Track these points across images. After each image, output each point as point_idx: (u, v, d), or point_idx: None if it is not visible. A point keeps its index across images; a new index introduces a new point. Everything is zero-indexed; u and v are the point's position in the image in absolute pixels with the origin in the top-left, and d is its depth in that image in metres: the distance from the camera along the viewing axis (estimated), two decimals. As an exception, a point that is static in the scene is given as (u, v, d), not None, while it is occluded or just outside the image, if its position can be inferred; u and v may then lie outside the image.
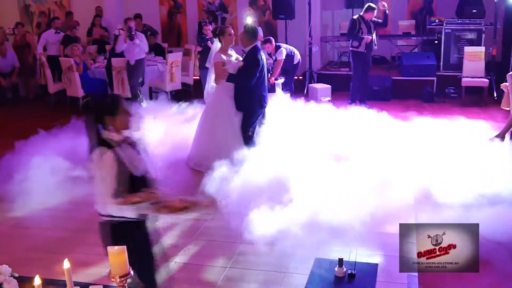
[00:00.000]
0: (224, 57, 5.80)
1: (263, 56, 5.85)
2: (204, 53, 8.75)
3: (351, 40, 8.67)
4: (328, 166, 5.40)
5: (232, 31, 5.96)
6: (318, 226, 4.39)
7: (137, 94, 9.07)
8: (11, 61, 10.36)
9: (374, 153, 5.89)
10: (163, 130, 6.89)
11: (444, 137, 6.56)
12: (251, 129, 5.92)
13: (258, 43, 6.12)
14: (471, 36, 9.79)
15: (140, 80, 9.20)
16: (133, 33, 8.86)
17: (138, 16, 11.11)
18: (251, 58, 5.69)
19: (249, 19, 9.59)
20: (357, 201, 4.81)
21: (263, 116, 6.15)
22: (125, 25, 8.87)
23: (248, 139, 5.89)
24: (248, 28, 5.78)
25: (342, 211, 4.49)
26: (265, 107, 6.01)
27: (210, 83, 6.14)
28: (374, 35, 8.57)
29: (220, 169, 4.90)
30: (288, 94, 7.83)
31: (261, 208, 4.28)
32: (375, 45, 8.65)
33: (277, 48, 8.12)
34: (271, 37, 8.23)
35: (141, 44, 8.92)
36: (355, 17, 8.70)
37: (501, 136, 6.55)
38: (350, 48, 8.73)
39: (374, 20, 8.56)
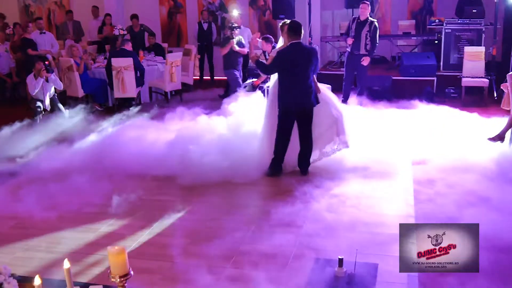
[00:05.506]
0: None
1: (302, 53, 5.49)
2: (228, 53, 8.81)
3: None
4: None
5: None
6: (320, 225, 4.42)
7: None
8: (7, 61, 10.43)
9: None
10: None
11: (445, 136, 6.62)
12: (280, 146, 5.66)
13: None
14: (471, 36, 9.79)
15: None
16: (50, 68, 7.96)
17: (134, 17, 11.16)
18: (280, 52, 5.58)
19: (235, 12, 9.54)
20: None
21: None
22: (38, 65, 7.94)
23: (274, 158, 5.66)
24: (291, 25, 5.56)
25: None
26: (298, 108, 5.54)
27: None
28: (364, 37, 8.36)
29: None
30: None
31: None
32: (366, 50, 8.42)
33: (273, 48, 8.02)
34: (270, 36, 8.04)
35: (56, 80, 8.24)
36: (353, 16, 8.76)
37: (501, 136, 6.54)
38: (346, 49, 8.90)
39: (372, 21, 8.44)
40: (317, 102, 5.61)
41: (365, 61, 8.51)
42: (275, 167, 5.66)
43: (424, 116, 7.73)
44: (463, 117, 7.72)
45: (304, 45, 5.58)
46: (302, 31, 5.49)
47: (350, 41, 8.50)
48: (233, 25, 8.80)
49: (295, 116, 5.59)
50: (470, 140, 6.57)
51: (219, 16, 12.39)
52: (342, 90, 8.81)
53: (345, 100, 8.60)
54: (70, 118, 8.11)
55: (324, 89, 6.01)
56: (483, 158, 5.83)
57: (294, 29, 5.48)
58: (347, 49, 8.78)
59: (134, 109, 8.08)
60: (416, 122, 7.45)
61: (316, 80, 5.80)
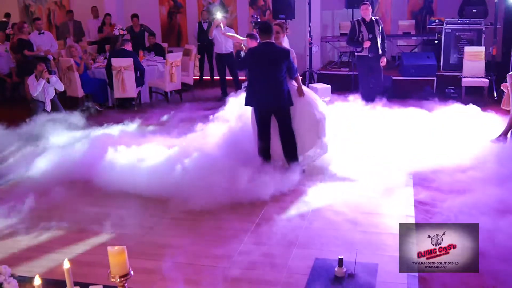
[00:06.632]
0: None
1: (270, 51, 5.50)
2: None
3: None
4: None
5: (276, 28, 5.95)
6: (321, 225, 4.42)
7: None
8: (7, 61, 10.45)
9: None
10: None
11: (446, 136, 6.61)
12: (259, 142, 5.64)
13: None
14: (471, 36, 9.79)
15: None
16: (51, 69, 7.88)
17: (135, 16, 11.17)
18: (250, 49, 5.74)
19: (219, 14, 9.46)
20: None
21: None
22: (39, 66, 7.91)
23: (259, 152, 5.67)
24: (262, 26, 5.70)
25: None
26: (263, 107, 5.57)
27: None
28: (378, 38, 8.14)
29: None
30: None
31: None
32: (380, 49, 8.19)
33: None
34: (255, 33, 7.57)
35: (58, 82, 8.17)
36: (355, 19, 8.49)
37: (503, 136, 6.54)
38: (356, 53, 8.50)
39: (377, 19, 8.30)
40: (291, 104, 5.56)
41: (384, 62, 8.32)
42: (263, 158, 5.67)
43: (428, 116, 7.66)
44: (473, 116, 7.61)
45: (276, 46, 5.60)
46: (285, 30, 5.71)
47: (367, 44, 8.11)
48: (259, 21, 8.53)
49: (264, 113, 5.60)
50: (476, 140, 6.53)
51: (219, 16, 12.38)
52: (361, 96, 8.21)
53: (370, 102, 8.13)
54: (70, 118, 8.10)
55: (308, 91, 5.93)
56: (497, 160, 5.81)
57: (264, 30, 5.64)
58: (360, 53, 8.30)
59: (132, 122, 7.94)
60: (422, 122, 7.36)
61: (300, 83, 5.73)
